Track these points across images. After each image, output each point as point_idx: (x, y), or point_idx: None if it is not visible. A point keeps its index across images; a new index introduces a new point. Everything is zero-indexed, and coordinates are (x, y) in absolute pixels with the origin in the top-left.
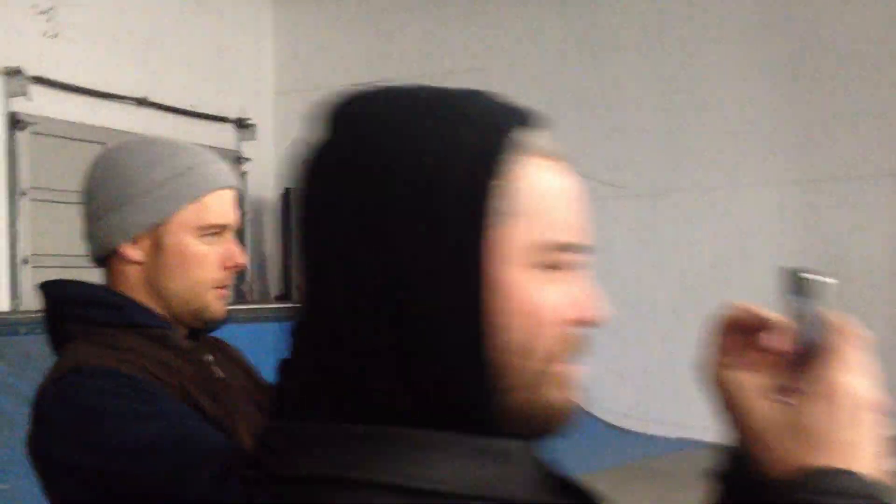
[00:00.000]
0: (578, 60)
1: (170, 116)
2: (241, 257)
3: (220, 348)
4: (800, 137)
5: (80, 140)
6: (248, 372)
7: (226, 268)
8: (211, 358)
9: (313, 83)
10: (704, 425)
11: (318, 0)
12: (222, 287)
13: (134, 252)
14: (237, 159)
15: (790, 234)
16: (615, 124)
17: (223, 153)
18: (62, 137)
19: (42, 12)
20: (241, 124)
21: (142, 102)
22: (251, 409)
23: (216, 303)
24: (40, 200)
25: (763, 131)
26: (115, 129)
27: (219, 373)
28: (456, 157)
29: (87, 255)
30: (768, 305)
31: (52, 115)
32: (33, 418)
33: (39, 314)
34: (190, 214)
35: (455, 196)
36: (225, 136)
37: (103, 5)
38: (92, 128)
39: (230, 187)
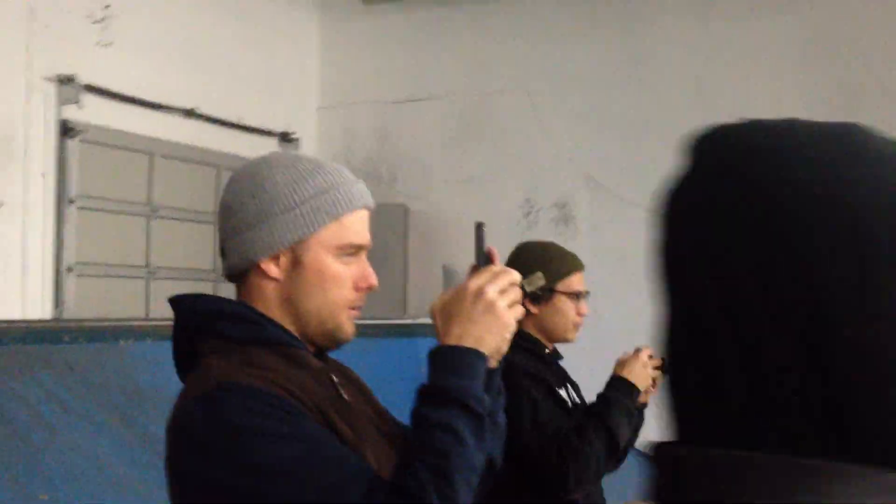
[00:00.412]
0: (625, 86)
1: (217, 128)
2: (374, 278)
3: (342, 370)
4: None
5: (129, 149)
6: (367, 395)
7: (359, 289)
8: (337, 379)
9: (356, 98)
10: None
11: (364, 15)
12: (355, 308)
13: (273, 268)
14: None
15: None
16: (661, 151)
17: None
18: (111, 146)
19: (96, 21)
20: (285, 138)
21: (190, 114)
22: (374, 433)
23: (349, 323)
24: (87, 209)
25: None
26: (163, 140)
27: (345, 394)
28: (876, 193)
29: (220, 271)
30: None
31: (102, 124)
32: (175, 434)
33: (87, 323)
34: (330, 233)
35: (886, 233)
36: (267, 148)
37: (156, 16)
38: (141, 137)
39: (369, 207)
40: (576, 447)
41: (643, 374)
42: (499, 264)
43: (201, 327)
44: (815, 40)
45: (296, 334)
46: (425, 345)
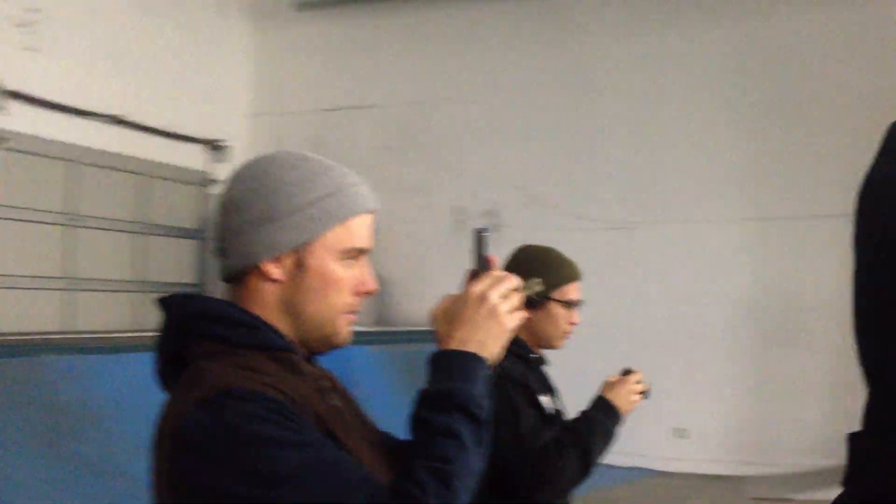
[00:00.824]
0: (559, 97)
1: (145, 136)
2: (374, 283)
3: (329, 376)
4: (759, 177)
5: (54, 158)
6: (350, 402)
7: (358, 293)
8: (328, 385)
9: (289, 107)
10: (659, 455)
11: (297, 23)
12: (352, 312)
13: (275, 270)
14: (207, 181)
15: (747, 268)
16: (590, 160)
17: (193, 175)
18: (35, 154)
19: (22, 25)
20: (215, 146)
21: (118, 121)
22: (361, 440)
23: (346, 329)
24: (7, 219)
25: (726, 170)
26: (89, 148)
27: (335, 401)
28: None
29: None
30: (728, 337)
31: (26, 132)
32: (173, 441)
33: (7, 338)
34: (336, 236)
35: None
36: (196, 157)
37: (86, 22)
38: (67, 145)
39: (375, 210)
40: (551, 462)
41: (628, 399)
42: (498, 270)
43: (193, 330)
44: (751, 51)
45: (290, 338)
46: (355, 353)
